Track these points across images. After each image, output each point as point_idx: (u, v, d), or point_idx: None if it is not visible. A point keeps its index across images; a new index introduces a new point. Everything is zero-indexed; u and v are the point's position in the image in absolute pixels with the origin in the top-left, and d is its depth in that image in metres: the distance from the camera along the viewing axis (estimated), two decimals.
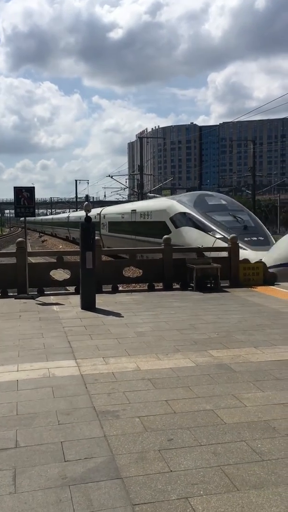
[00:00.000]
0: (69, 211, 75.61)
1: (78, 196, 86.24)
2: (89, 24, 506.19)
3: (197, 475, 3.19)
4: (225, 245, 12.92)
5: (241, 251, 12.67)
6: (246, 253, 14.30)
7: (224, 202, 20.14)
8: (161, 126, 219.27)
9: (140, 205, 27.12)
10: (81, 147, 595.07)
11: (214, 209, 19.04)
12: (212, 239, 16.54)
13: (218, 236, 16.75)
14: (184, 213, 19.37)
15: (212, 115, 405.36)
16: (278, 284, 11.97)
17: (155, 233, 21.20)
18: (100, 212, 34.88)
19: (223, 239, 15.79)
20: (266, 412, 4.22)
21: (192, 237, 17.80)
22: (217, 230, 17.20)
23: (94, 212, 35.49)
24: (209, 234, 17.20)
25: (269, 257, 13.75)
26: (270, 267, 12.36)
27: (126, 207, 31.08)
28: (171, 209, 20.49)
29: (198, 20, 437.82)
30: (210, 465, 3.33)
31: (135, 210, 26.48)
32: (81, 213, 56.41)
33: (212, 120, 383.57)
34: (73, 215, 55.58)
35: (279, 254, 13.69)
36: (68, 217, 57.62)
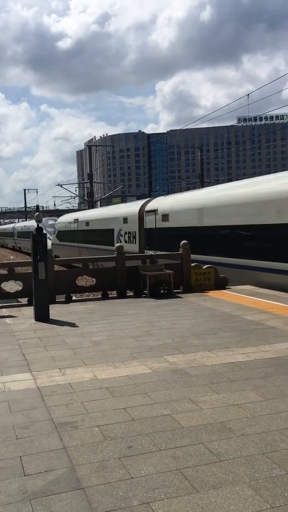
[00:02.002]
0: (18, 221, 78.16)
1: (28, 205, 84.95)
2: (37, 34, 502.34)
3: (158, 480, 3.25)
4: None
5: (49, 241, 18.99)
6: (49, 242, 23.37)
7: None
8: (110, 134, 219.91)
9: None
10: (30, 156, 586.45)
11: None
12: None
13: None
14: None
15: (161, 123, 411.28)
16: (229, 288, 12.27)
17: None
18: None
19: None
20: (221, 414, 4.34)
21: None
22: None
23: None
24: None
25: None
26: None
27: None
28: None
29: (146, 30, 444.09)
30: (169, 469, 3.39)
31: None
32: (27, 223, 58.23)
33: (161, 128, 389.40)
34: (19, 225, 62.76)
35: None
36: (14, 227, 64.39)
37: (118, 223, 23.77)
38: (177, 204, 18.92)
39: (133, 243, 21.78)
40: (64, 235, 34.82)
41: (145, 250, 20.13)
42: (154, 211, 19.75)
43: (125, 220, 23.09)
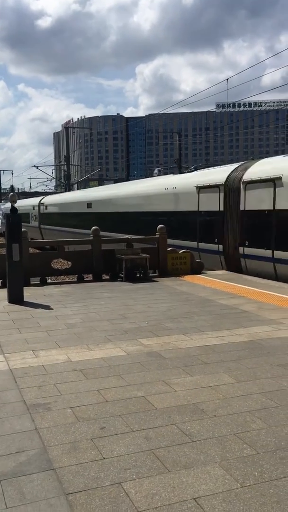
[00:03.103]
0: None
1: (3, 187, 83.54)
2: (16, 10, 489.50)
3: (130, 460, 3.25)
4: None
5: None
6: None
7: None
8: (88, 116, 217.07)
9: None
10: (6, 137, 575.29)
11: None
12: None
13: None
14: None
15: (141, 107, 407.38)
16: (205, 273, 12.33)
17: None
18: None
19: None
20: (195, 395, 4.36)
21: None
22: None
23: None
24: None
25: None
26: None
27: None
28: None
29: (128, 11, 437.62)
30: (142, 449, 3.40)
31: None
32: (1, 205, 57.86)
33: (141, 111, 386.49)
34: None
35: None
36: None
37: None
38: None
39: None
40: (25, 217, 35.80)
41: None
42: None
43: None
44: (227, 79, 26.30)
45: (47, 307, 8.49)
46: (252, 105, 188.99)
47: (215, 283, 10.77)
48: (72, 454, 3.36)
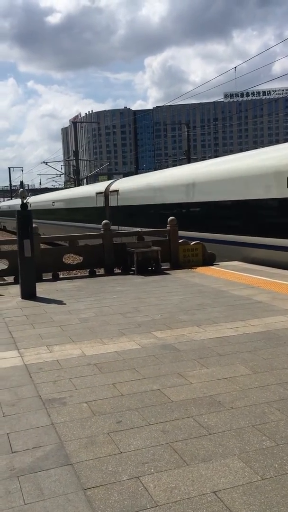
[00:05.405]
0: (3, 200, 77.38)
1: (13, 184, 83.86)
2: (25, 8, 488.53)
3: (147, 454, 3.22)
4: None
5: None
6: None
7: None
8: (96, 110, 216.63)
9: None
10: (17, 134, 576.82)
11: None
12: None
13: None
14: None
15: (149, 99, 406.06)
16: (217, 264, 12.26)
17: None
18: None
19: None
20: (211, 387, 4.32)
21: None
22: None
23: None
24: None
25: None
26: None
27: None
28: None
29: (137, 5, 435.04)
30: (159, 443, 3.36)
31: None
32: (9, 202, 58.23)
33: (150, 104, 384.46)
34: (3, 204, 65.11)
35: None
36: None
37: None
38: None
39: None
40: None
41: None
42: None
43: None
44: (235, 68, 26.02)
45: (60, 302, 8.49)
46: (261, 94, 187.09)
47: (227, 274, 10.69)
48: (89, 448, 3.33)
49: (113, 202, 22.86)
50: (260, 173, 12.50)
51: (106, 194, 23.71)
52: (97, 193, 24.83)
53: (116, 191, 22.42)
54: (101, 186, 26.07)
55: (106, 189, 23.89)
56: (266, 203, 12.39)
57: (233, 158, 15.80)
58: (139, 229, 13.50)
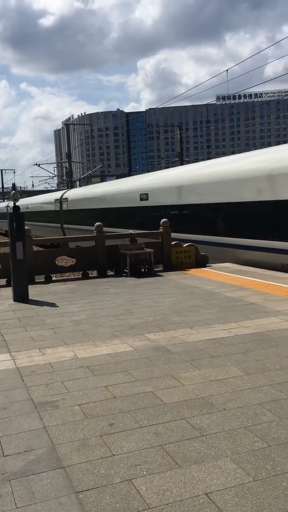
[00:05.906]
0: None
1: (6, 186, 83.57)
2: (18, 10, 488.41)
3: (140, 456, 3.22)
4: None
5: None
6: None
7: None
8: (88, 112, 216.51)
9: None
10: (9, 136, 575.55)
11: None
12: None
13: None
14: None
15: (143, 102, 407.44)
16: (210, 266, 12.28)
17: None
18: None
19: None
20: (203, 389, 4.32)
21: None
22: None
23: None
24: None
25: None
26: None
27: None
28: None
29: (130, 8, 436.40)
30: (152, 445, 3.36)
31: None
32: (2, 204, 58.16)
33: (143, 107, 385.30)
34: None
35: None
36: None
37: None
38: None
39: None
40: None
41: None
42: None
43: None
44: (227, 70, 26.15)
45: (52, 305, 8.47)
46: (253, 96, 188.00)
47: (220, 275, 10.72)
48: (81, 451, 3.32)
49: (64, 207, 30.61)
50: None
51: (60, 200, 31.53)
52: (55, 200, 33.20)
53: (66, 199, 30.34)
54: (57, 194, 34.83)
55: (60, 197, 32.02)
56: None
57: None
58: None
